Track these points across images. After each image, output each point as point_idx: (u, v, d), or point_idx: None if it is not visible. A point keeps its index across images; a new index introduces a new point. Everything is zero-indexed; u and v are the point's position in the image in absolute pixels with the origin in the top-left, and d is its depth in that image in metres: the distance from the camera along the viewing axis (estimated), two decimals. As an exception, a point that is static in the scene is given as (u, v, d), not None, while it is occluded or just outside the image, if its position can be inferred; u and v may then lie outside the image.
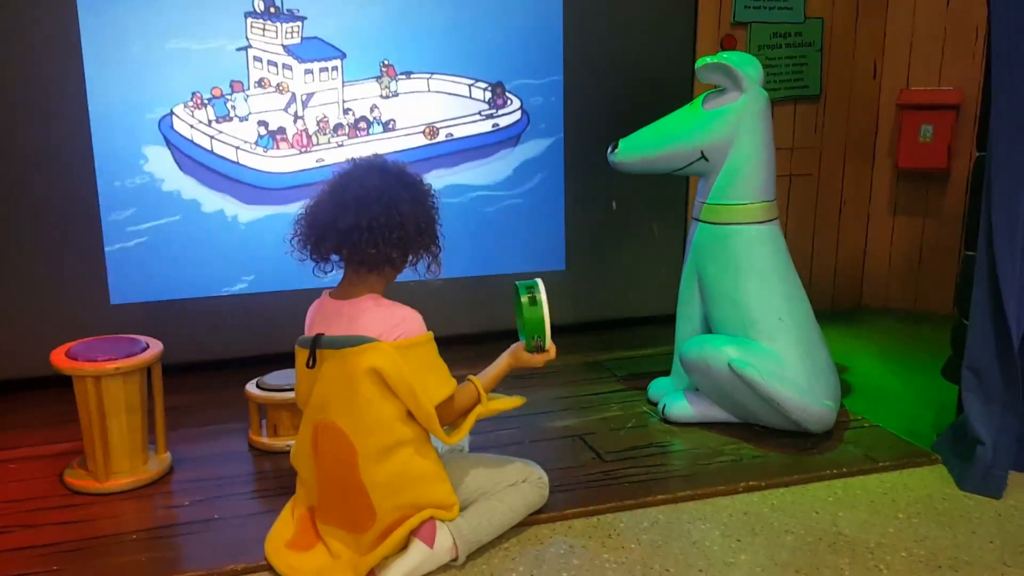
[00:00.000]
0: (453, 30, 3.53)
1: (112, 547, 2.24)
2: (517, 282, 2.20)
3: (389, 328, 2.04)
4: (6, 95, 3.13)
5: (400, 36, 3.48)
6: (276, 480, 2.59)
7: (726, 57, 2.79)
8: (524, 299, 2.16)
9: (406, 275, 2.17)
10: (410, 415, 2.07)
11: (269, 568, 2.13)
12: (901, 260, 4.25)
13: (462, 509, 2.18)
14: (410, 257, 2.10)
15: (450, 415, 2.14)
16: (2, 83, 3.11)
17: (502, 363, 2.24)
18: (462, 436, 2.17)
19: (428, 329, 2.10)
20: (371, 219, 1.99)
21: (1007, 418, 2.50)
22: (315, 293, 2.22)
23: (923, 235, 4.19)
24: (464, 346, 2.17)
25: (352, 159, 2.12)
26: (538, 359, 2.21)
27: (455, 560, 2.12)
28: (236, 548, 2.21)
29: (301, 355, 2.12)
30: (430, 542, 2.07)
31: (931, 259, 4.18)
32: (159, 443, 2.67)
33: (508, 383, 2.29)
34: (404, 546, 2.09)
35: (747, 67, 2.78)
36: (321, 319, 2.14)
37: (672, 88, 3.74)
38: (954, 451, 2.67)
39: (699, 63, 2.80)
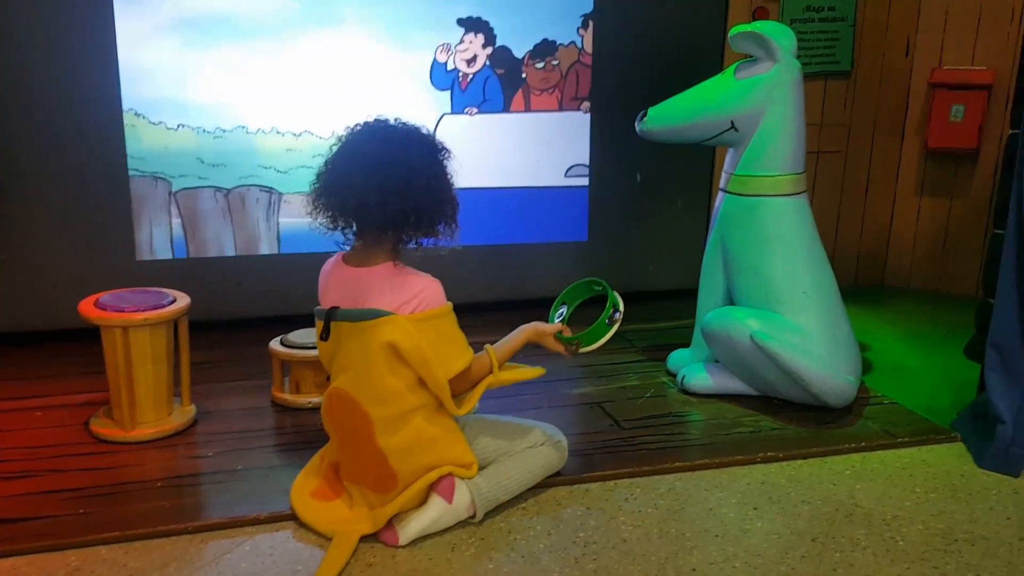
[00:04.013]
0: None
1: (137, 493, 2.28)
2: (610, 289, 2.30)
3: (405, 301, 2.03)
4: (36, 47, 3.15)
5: None
6: (298, 435, 2.62)
7: (760, 26, 2.77)
8: (609, 317, 2.26)
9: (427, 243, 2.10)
10: (422, 382, 2.06)
11: (292, 515, 2.16)
12: (926, 240, 4.22)
13: (481, 469, 2.20)
14: (425, 220, 2.02)
15: (466, 384, 2.14)
16: (31, 36, 3.14)
17: (520, 335, 2.23)
18: (470, 407, 2.15)
19: (448, 299, 2.08)
20: (380, 183, 1.94)
21: (1029, 397, 2.50)
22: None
23: (949, 216, 4.15)
24: (480, 315, 2.17)
25: (358, 123, 2.06)
26: (560, 348, 2.28)
27: (473, 517, 2.15)
28: (259, 498, 2.25)
29: (319, 325, 2.12)
30: (449, 497, 2.10)
31: (956, 240, 4.15)
32: (184, 395, 2.71)
33: (527, 353, 2.29)
34: (423, 502, 2.12)
35: (781, 37, 2.75)
36: (336, 286, 2.11)
37: (702, 58, 3.71)
38: (973, 429, 2.67)
39: (733, 31, 2.78)
